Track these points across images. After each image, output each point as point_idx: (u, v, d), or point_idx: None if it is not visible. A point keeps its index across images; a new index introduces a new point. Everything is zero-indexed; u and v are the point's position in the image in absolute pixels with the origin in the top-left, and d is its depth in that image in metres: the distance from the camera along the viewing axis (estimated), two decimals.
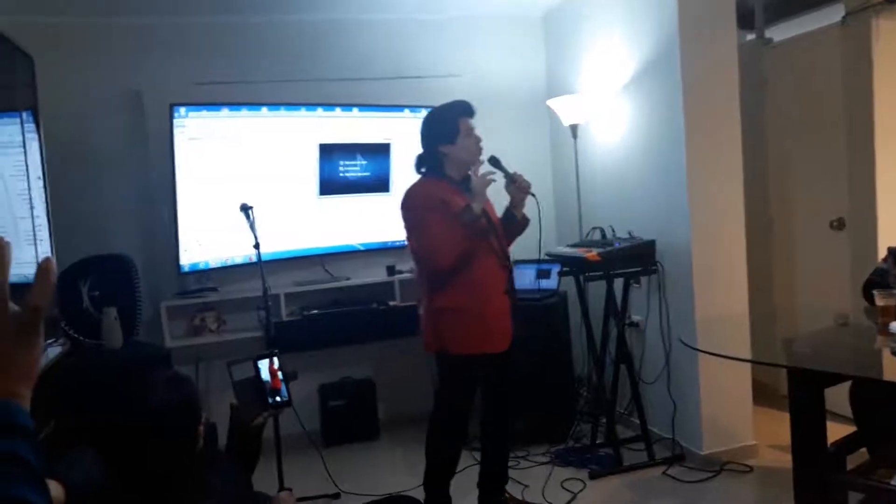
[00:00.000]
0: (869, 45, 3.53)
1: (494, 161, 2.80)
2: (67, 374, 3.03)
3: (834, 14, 3.81)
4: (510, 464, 3.17)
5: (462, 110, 2.77)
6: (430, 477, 2.91)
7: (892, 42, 3.53)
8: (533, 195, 2.82)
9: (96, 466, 1.72)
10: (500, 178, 2.80)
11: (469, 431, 3.01)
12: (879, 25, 3.52)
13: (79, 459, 1.82)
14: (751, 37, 4.44)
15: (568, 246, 3.66)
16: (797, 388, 2.37)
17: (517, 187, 2.77)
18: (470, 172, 2.76)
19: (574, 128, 3.97)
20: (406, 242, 2.89)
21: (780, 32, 4.39)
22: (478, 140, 2.77)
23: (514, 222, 2.85)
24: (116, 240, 3.79)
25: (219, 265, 3.84)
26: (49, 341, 3.21)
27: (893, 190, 3.54)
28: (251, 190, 3.68)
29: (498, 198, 2.89)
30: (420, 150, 2.85)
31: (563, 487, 3.29)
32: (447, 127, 2.75)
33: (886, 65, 3.53)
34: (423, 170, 2.84)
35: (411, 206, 2.75)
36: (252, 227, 3.25)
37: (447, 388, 2.88)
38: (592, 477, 3.39)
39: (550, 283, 3.84)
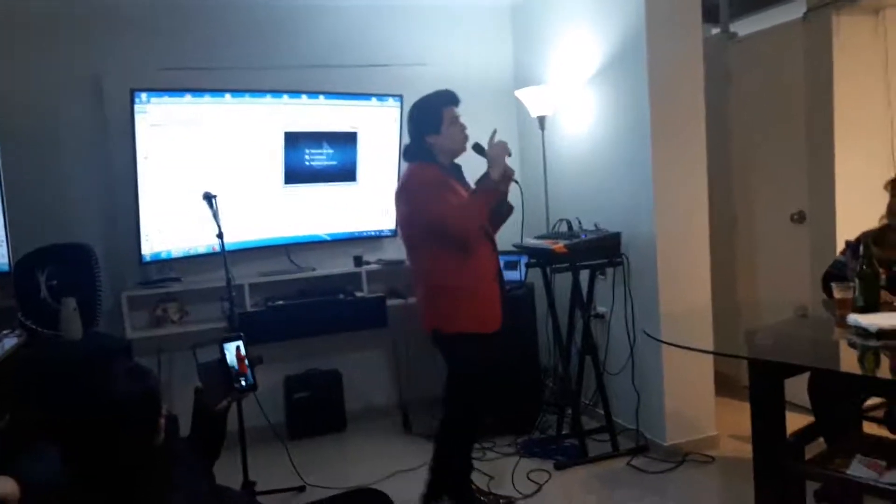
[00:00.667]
0: (829, 41, 3.59)
1: (478, 148, 2.83)
2: (24, 365, 2.95)
3: (796, 9, 3.87)
4: (476, 455, 3.17)
5: (446, 100, 2.81)
6: (451, 482, 2.94)
7: (852, 37, 3.59)
8: (516, 182, 2.87)
9: (57, 460, 1.68)
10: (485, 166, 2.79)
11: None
12: (840, 21, 3.58)
13: (42, 455, 1.77)
14: (716, 31, 4.49)
15: (535, 237, 3.66)
16: (757, 379, 2.40)
17: (498, 147, 2.79)
18: (482, 149, 2.80)
19: (541, 119, 3.97)
20: (394, 230, 2.95)
21: (744, 27, 4.44)
22: (462, 128, 2.82)
23: (499, 210, 2.88)
24: (76, 228, 3.70)
25: (181, 255, 3.76)
26: (5, 332, 3.13)
27: (852, 183, 3.61)
28: (215, 178, 3.62)
29: None
30: (407, 140, 2.91)
31: (529, 479, 3.30)
32: (431, 117, 2.79)
33: (846, 60, 3.60)
34: (410, 158, 2.88)
35: (415, 185, 2.77)
36: (215, 216, 3.19)
37: (455, 375, 2.89)
38: (558, 468, 3.42)
39: (517, 274, 3.85)
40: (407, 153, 2.92)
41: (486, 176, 2.71)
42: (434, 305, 2.82)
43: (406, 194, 2.80)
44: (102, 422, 1.62)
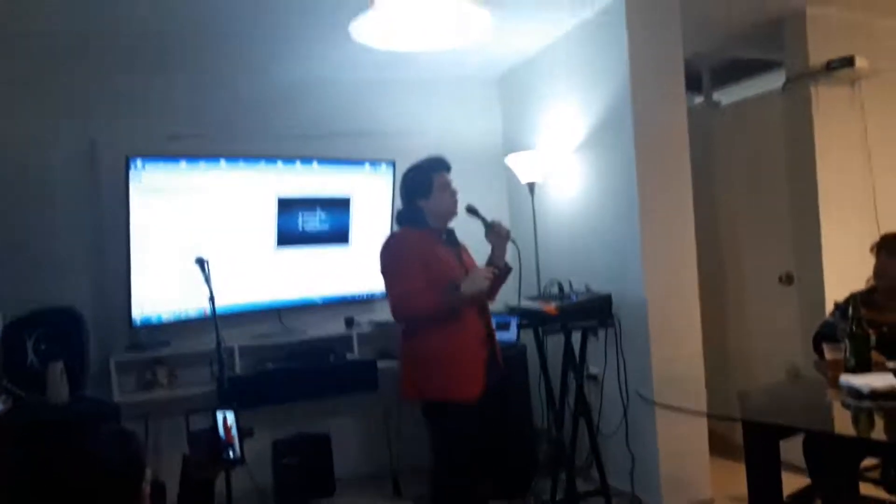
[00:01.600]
0: (809, 110, 3.71)
1: (472, 210, 2.88)
2: (6, 430, 2.89)
3: (776, 80, 4.02)
4: None
5: (436, 166, 2.86)
6: None
7: (831, 107, 3.72)
8: (514, 241, 2.90)
9: None
10: (480, 227, 2.86)
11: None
12: (818, 92, 3.71)
13: None
14: (699, 100, 4.64)
15: (527, 299, 3.68)
16: (752, 441, 2.40)
17: (497, 234, 2.83)
18: (473, 275, 2.72)
19: (531, 185, 4.05)
20: (381, 292, 2.92)
21: (726, 96, 4.60)
22: (453, 193, 2.84)
23: (498, 272, 2.87)
24: (65, 291, 3.68)
25: (172, 319, 3.75)
26: None
27: (838, 246, 3.68)
28: (207, 242, 3.64)
29: (479, 246, 2.93)
30: (400, 205, 2.93)
31: None
32: (422, 182, 2.83)
33: (826, 129, 3.71)
34: (402, 222, 2.91)
35: (387, 254, 2.80)
36: (207, 280, 3.18)
37: (439, 449, 2.80)
38: None
39: (510, 335, 3.85)
40: (399, 217, 2.95)
41: (455, 288, 2.66)
42: (411, 374, 2.79)
43: (381, 259, 2.82)
44: (83, 486, 1.59)
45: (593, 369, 3.82)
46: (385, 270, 2.81)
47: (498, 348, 2.91)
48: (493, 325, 2.94)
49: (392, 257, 2.79)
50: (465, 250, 2.94)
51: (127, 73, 3.87)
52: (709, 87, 4.54)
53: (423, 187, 2.83)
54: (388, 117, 4.38)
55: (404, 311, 2.71)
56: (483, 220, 2.86)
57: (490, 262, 2.88)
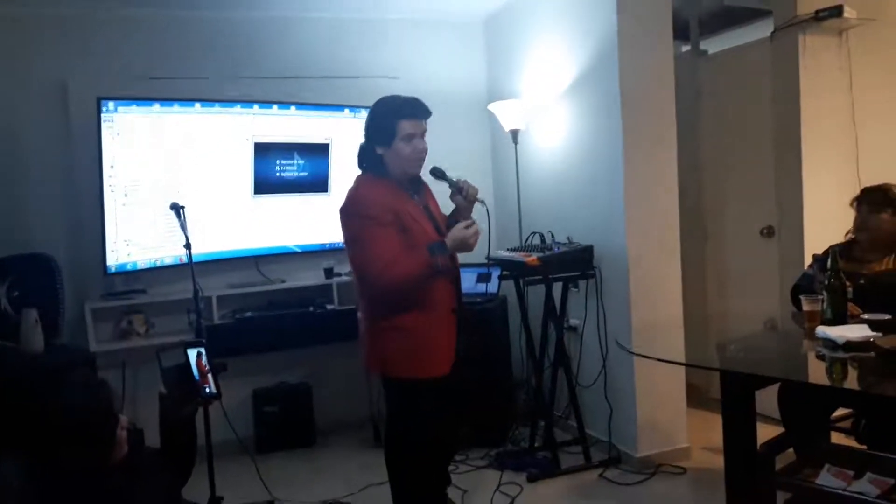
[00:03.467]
0: (796, 60, 3.66)
1: (437, 173, 2.59)
2: None
3: (764, 29, 3.95)
4: (449, 468, 3.13)
5: (403, 111, 2.48)
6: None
7: (818, 57, 3.67)
8: (482, 202, 2.61)
9: (14, 474, 1.63)
10: (445, 187, 2.62)
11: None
12: (806, 41, 3.65)
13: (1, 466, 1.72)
14: (686, 48, 4.57)
15: (508, 250, 3.66)
16: (729, 391, 2.42)
17: (464, 197, 2.56)
18: (460, 224, 2.48)
19: (514, 133, 3.99)
20: (345, 247, 2.65)
21: (714, 45, 4.52)
22: (416, 148, 2.49)
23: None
24: (38, 238, 3.61)
25: (148, 266, 3.69)
26: None
27: (819, 198, 3.67)
28: (183, 188, 3.57)
29: (444, 206, 2.75)
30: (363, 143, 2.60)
31: (502, 491, 3.28)
32: (384, 126, 2.48)
33: (812, 79, 3.67)
34: (364, 166, 2.62)
35: (350, 209, 2.51)
36: (183, 226, 3.13)
37: (395, 416, 2.68)
38: (530, 480, 3.40)
39: (491, 286, 3.84)
40: (359, 160, 2.60)
41: (440, 247, 2.43)
42: (375, 346, 2.59)
43: (343, 217, 2.53)
44: (54, 433, 1.59)
45: (573, 321, 3.84)
46: (355, 237, 2.50)
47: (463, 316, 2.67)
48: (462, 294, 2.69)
49: (356, 212, 2.48)
50: (431, 195, 2.69)
51: (99, 11, 3.72)
52: (696, 35, 4.47)
53: (384, 133, 2.48)
54: (369, 61, 4.27)
55: (388, 283, 2.41)
56: (450, 181, 2.58)
57: (451, 220, 2.63)
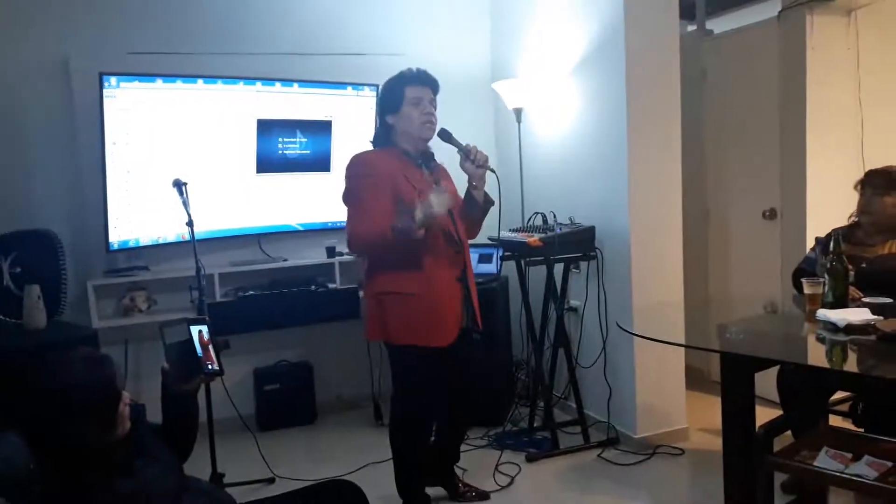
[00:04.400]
0: (803, 40, 3.62)
1: (445, 134, 2.63)
2: None
3: (771, 8, 3.91)
4: None
5: (409, 78, 2.60)
6: (401, 480, 2.82)
7: (825, 37, 3.63)
8: (492, 170, 2.64)
9: (19, 450, 1.64)
10: (457, 156, 2.65)
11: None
12: (813, 21, 3.62)
13: (3, 442, 1.74)
14: (692, 28, 4.52)
15: (510, 230, 3.66)
16: (728, 372, 2.42)
17: (472, 162, 2.59)
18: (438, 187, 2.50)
19: (518, 112, 3.96)
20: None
21: (720, 25, 4.48)
22: (426, 112, 2.58)
23: (476, 204, 2.69)
24: (41, 215, 3.61)
25: (150, 243, 3.69)
26: None
27: (822, 181, 3.65)
28: (185, 165, 3.56)
29: (457, 178, 2.76)
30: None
31: (501, 471, 3.30)
32: (393, 94, 2.60)
33: (819, 59, 3.63)
34: (374, 143, 2.70)
35: (350, 172, 2.60)
36: (185, 203, 3.13)
37: (398, 382, 2.72)
38: (529, 460, 3.42)
39: (492, 267, 3.85)
40: (374, 140, 2.72)
41: (407, 216, 2.43)
42: (376, 314, 2.62)
43: (345, 184, 2.60)
44: (56, 408, 1.60)
45: (574, 302, 3.84)
46: (345, 198, 2.58)
47: (477, 308, 2.74)
48: (473, 274, 2.75)
49: (353, 181, 2.56)
50: (447, 176, 2.74)
51: None
52: (702, 14, 4.42)
53: (393, 101, 2.58)
54: (371, 38, 4.23)
55: (355, 241, 2.52)
56: (458, 144, 2.62)
57: (467, 194, 2.69)
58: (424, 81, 2.61)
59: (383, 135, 2.65)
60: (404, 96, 2.57)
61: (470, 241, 2.86)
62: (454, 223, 2.68)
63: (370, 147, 2.72)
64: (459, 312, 2.65)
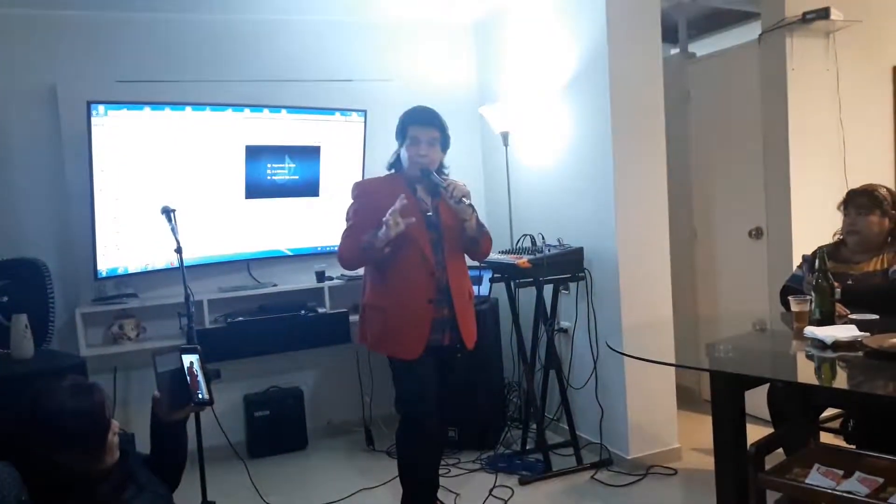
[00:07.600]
0: (783, 62, 3.69)
1: (425, 174, 2.75)
2: None
3: (752, 31, 3.98)
4: (441, 471, 3.14)
5: (413, 117, 2.81)
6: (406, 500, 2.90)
7: (805, 59, 3.70)
8: (469, 203, 2.73)
9: (11, 480, 1.62)
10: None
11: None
12: (793, 43, 3.68)
13: None
14: (675, 51, 4.59)
15: (499, 252, 3.67)
16: (719, 391, 2.43)
17: (449, 197, 2.69)
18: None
19: (505, 135, 4.00)
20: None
21: (702, 48, 4.55)
22: (417, 152, 2.76)
23: (466, 233, 2.81)
24: (28, 243, 3.60)
25: (139, 270, 3.68)
26: None
27: (806, 199, 3.70)
28: (174, 192, 3.56)
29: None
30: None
31: (493, 495, 3.28)
32: (400, 130, 2.84)
33: (800, 81, 3.70)
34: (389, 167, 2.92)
35: (352, 195, 2.87)
36: (174, 230, 3.12)
37: (393, 383, 2.89)
38: (522, 483, 3.41)
39: (482, 289, 3.85)
40: (389, 164, 2.95)
41: (374, 233, 2.63)
42: (363, 321, 2.88)
43: None
44: (44, 437, 1.58)
45: (564, 323, 3.85)
46: (347, 210, 2.89)
47: (469, 327, 2.84)
48: (458, 296, 2.81)
49: (354, 196, 2.86)
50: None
51: (89, 13, 3.72)
52: (685, 38, 4.49)
53: (400, 135, 2.84)
54: (358, 64, 4.27)
55: (339, 254, 2.79)
56: (436, 183, 2.72)
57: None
58: (424, 122, 2.79)
59: (396, 161, 2.88)
60: (406, 134, 2.79)
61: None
62: (434, 247, 2.76)
63: (369, 170, 3.02)
64: (426, 332, 2.75)
